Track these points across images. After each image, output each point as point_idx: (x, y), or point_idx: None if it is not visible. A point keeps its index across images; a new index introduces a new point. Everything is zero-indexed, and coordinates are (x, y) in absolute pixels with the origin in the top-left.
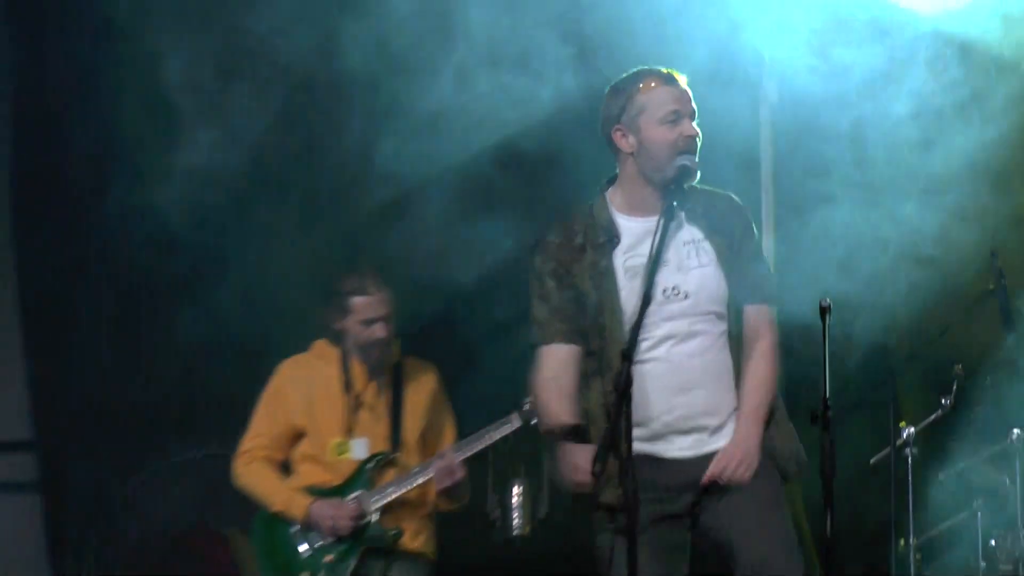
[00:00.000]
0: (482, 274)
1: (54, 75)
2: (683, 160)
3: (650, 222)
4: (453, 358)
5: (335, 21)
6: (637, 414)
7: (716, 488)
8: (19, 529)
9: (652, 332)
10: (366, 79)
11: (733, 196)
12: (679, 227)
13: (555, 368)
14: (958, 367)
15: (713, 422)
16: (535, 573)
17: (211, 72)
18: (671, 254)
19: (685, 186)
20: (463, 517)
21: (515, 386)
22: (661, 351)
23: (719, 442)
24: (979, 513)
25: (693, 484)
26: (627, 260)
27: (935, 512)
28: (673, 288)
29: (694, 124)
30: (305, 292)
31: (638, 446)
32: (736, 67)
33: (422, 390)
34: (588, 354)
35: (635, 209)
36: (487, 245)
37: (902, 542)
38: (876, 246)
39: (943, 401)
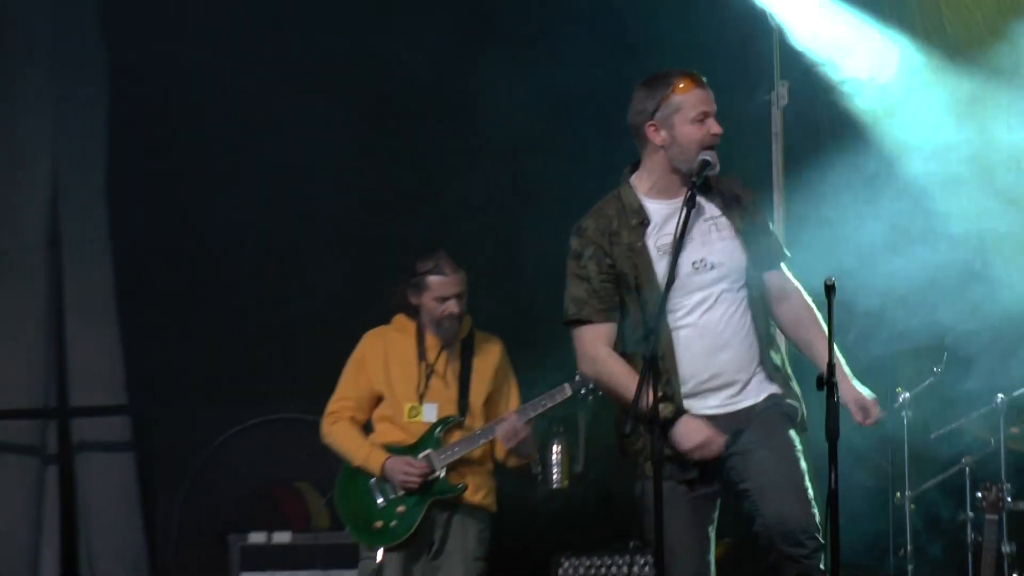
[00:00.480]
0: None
1: (144, 79)
2: (706, 155)
3: (673, 204)
4: (518, 333)
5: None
6: (686, 377)
7: (742, 445)
8: (116, 484)
9: (684, 301)
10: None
11: (730, 176)
12: (700, 206)
13: (596, 344)
14: (948, 339)
15: (742, 378)
16: (571, 520)
17: (295, 77)
18: (696, 231)
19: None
20: (508, 471)
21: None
22: (693, 318)
23: (745, 400)
24: (967, 468)
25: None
26: (658, 240)
27: (928, 468)
28: (701, 260)
29: (716, 125)
30: (369, 277)
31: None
32: (751, 73)
33: (488, 361)
34: (630, 325)
35: (660, 193)
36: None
37: (898, 495)
38: (875, 233)
39: (935, 369)
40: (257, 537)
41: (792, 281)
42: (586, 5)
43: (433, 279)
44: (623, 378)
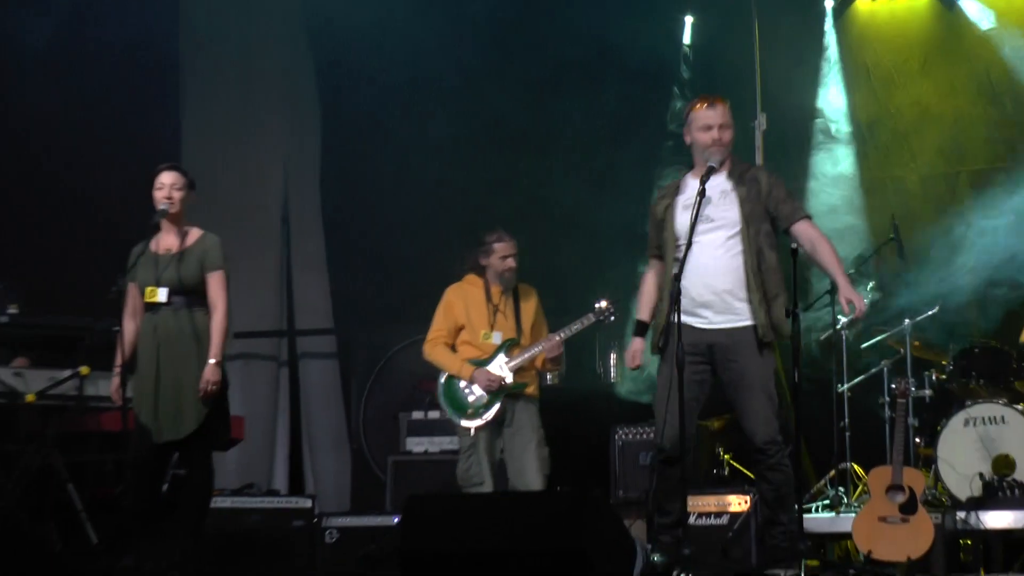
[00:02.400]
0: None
1: (344, 110)
2: (712, 162)
3: (697, 181)
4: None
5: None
6: (683, 296)
7: (730, 362)
8: (325, 381)
9: (695, 242)
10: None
11: (762, 167)
12: (721, 179)
13: (650, 277)
14: (872, 283)
15: (720, 302)
16: (622, 402)
17: (440, 116)
18: (713, 194)
19: (714, 166)
20: (580, 373)
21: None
22: (696, 255)
23: (725, 323)
24: (885, 369)
25: (708, 345)
26: (684, 201)
27: (859, 368)
28: (708, 216)
29: (720, 132)
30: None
31: (684, 319)
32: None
33: (530, 302)
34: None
35: (695, 173)
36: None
37: (839, 386)
38: (827, 212)
39: (865, 300)
40: (418, 414)
41: (813, 229)
42: (630, 57)
43: (498, 245)
44: (639, 301)
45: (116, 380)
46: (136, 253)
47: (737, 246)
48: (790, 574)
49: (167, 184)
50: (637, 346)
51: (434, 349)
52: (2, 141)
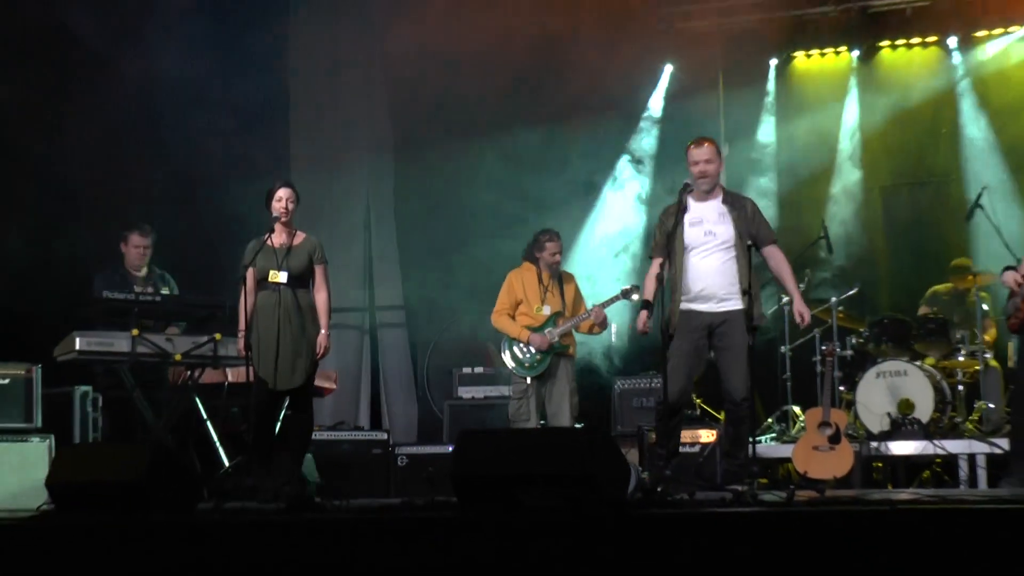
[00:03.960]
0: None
1: (410, 130)
2: (688, 181)
3: (700, 203)
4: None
5: None
6: (691, 289)
7: (719, 337)
8: (399, 345)
9: (699, 250)
10: None
11: (748, 196)
12: (717, 203)
13: (655, 269)
14: (807, 270)
15: (721, 293)
16: (622, 359)
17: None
18: (712, 215)
19: (692, 190)
20: (589, 338)
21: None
22: (699, 258)
23: (721, 307)
24: (817, 334)
25: (708, 324)
26: (691, 219)
27: (797, 334)
28: (710, 231)
29: (705, 166)
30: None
31: (686, 305)
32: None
33: (571, 284)
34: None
35: (697, 197)
36: None
37: (782, 348)
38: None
39: (800, 284)
40: (467, 370)
41: (777, 250)
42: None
43: (549, 244)
44: (647, 286)
45: (242, 338)
46: (254, 247)
47: (731, 253)
48: (744, 489)
49: (284, 197)
50: (645, 316)
51: (499, 319)
52: (169, 173)
